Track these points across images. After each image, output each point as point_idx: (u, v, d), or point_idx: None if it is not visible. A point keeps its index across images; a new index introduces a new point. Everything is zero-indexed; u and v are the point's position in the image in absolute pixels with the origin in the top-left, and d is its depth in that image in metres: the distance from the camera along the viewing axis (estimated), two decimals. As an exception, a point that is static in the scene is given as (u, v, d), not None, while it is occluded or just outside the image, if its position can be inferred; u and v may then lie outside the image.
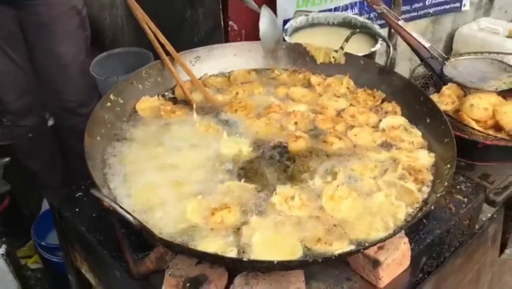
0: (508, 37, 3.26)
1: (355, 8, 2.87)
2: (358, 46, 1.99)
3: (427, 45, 1.83)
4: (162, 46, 1.63)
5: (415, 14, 3.21)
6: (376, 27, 2.05)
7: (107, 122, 1.40)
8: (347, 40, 1.67)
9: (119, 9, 3.66)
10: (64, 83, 2.22)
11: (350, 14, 2.17)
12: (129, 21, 3.56)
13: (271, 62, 1.75)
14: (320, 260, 1.01)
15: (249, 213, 1.17)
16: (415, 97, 1.49)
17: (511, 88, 1.70)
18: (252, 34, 2.68)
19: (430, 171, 1.30)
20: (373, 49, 1.86)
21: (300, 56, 1.74)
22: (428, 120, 1.43)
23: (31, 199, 2.57)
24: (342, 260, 1.15)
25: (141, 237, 1.19)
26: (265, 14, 1.80)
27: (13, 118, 2.26)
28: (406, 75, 1.81)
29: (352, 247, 1.06)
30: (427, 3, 3.20)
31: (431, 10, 3.26)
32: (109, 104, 1.44)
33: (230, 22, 2.60)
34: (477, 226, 1.60)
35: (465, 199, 1.47)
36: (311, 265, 1.08)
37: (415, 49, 1.84)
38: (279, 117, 1.50)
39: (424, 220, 1.39)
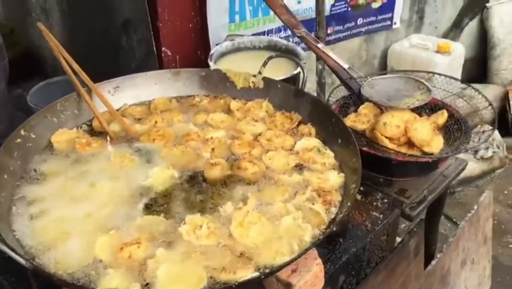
0: (437, 52, 3.41)
1: (287, 30, 2.94)
2: (284, 69, 2.03)
3: (345, 66, 1.88)
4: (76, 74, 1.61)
5: (348, 33, 3.31)
6: (300, 50, 2.10)
7: (16, 158, 1.37)
8: (264, 65, 1.70)
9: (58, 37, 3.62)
10: None
11: (274, 37, 2.23)
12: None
13: (192, 89, 1.76)
14: (221, 290, 1.02)
15: (158, 246, 1.17)
16: (328, 118, 1.53)
17: (424, 105, 1.77)
18: (187, 59, 2.71)
19: (339, 191, 1.33)
20: (294, 72, 1.90)
21: (221, 82, 1.76)
22: (339, 141, 1.46)
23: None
24: (246, 287, 1.16)
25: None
26: None
27: None
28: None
29: (256, 274, 1.07)
30: (358, 22, 3.31)
31: (363, 29, 3.37)
32: (19, 140, 1.40)
33: (163, 48, 2.62)
34: (397, 241, 1.65)
35: (381, 216, 1.51)
36: (215, 295, 1.08)
37: (335, 70, 1.89)
38: (197, 145, 1.51)
39: (341, 239, 1.42)
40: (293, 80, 1.94)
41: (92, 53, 3.30)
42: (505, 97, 3.96)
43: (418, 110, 1.78)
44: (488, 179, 3.63)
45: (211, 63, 2.01)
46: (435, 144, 1.63)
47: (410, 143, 1.66)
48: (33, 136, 1.45)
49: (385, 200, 1.58)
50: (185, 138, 1.53)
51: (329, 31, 3.19)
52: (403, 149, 1.64)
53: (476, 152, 3.50)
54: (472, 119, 3.96)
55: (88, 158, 1.45)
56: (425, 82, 1.80)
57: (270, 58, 1.70)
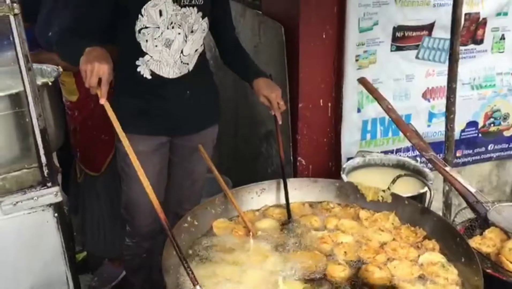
0: None
1: (415, 150, 3.12)
2: (411, 187, 2.21)
3: (473, 190, 2.00)
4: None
5: (478, 157, 3.37)
6: (427, 171, 2.26)
7: (182, 240, 1.69)
8: (393, 182, 1.90)
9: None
10: (189, 195, 2.51)
11: (403, 157, 2.42)
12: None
13: (326, 196, 2.00)
14: None
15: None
16: (453, 237, 1.64)
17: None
18: (319, 169, 2.99)
19: (459, 306, 1.42)
20: (421, 191, 2.06)
21: (352, 193, 1.98)
22: (463, 260, 1.56)
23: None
24: None
25: None
26: None
27: (138, 240, 2.47)
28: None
29: None
30: (489, 148, 3.37)
31: (494, 155, 3.40)
32: (186, 224, 1.75)
33: (299, 158, 2.95)
34: None
35: None
36: None
37: (461, 193, 2.01)
38: (329, 247, 1.70)
39: None
40: (419, 198, 2.10)
41: (234, 156, 3.78)
42: None
43: (549, 241, 1.80)
44: None
45: (343, 176, 2.26)
46: None
47: (537, 272, 1.68)
48: (196, 223, 1.79)
49: (508, 326, 1.59)
50: (319, 241, 1.73)
51: (458, 154, 3.30)
52: (530, 277, 1.66)
53: None
54: None
55: (239, 246, 1.73)
56: (555, 213, 1.84)
57: (399, 176, 1.90)
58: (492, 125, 3.29)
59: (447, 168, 2.08)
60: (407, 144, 3.03)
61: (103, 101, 1.67)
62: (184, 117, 2.29)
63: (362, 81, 2.51)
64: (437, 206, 2.94)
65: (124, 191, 2.42)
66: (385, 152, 2.90)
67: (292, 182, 2.03)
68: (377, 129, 2.97)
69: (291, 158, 2.93)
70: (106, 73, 1.71)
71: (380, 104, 2.38)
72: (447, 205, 2.68)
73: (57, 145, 2.14)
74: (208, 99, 2.38)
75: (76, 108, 2.68)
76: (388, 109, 2.35)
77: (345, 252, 1.67)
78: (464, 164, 3.34)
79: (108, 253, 2.99)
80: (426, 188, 2.11)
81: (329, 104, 2.90)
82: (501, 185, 3.57)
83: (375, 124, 2.96)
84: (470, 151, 3.32)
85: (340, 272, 1.58)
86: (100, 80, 1.69)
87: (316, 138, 2.95)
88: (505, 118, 3.29)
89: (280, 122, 2.15)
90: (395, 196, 1.89)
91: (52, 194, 1.68)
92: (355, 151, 2.83)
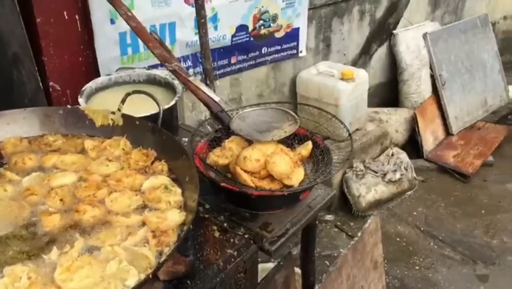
0: (341, 79, 3.49)
1: (188, 60, 2.93)
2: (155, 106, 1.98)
3: (217, 99, 1.87)
4: None
5: (253, 62, 3.34)
6: (177, 83, 2.07)
7: None
8: (123, 101, 1.66)
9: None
10: None
11: (154, 71, 2.19)
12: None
13: (49, 128, 1.69)
14: None
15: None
16: (180, 155, 1.49)
17: (295, 136, 1.77)
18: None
19: (176, 231, 1.28)
20: (168, 106, 1.85)
21: (80, 120, 1.70)
22: (187, 179, 1.43)
23: None
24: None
25: None
26: None
27: None
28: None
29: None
30: (263, 51, 3.35)
31: (268, 58, 3.41)
32: None
33: (51, 83, 2.55)
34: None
35: (236, 253, 1.47)
36: None
37: (206, 103, 1.87)
38: (39, 199, 1.40)
39: (188, 281, 1.37)
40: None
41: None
42: (413, 119, 4.09)
43: (290, 141, 1.79)
44: (398, 201, 3.70)
45: (81, 100, 1.94)
46: (296, 177, 1.61)
47: (271, 177, 1.64)
48: None
49: (246, 236, 1.54)
50: (24, 194, 1.41)
51: (232, 60, 3.21)
52: (265, 183, 1.62)
53: (384, 175, 3.58)
54: (382, 142, 4.04)
55: None
56: (292, 113, 1.80)
57: (127, 94, 1.66)
58: (262, 27, 3.23)
59: (191, 78, 1.91)
60: (177, 54, 2.81)
61: None
62: None
63: (100, -15, 2.14)
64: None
65: None
66: (154, 67, 2.64)
67: (3, 116, 1.66)
68: (138, 42, 2.67)
69: (40, 84, 2.50)
70: None
71: (118, 12, 2.07)
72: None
73: None
74: None
75: None
76: (128, 17, 2.05)
77: (60, 199, 1.39)
78: (241, 70, 3.29)
79: None
80: (173, 102, 1.91)
81: (77, 17, 2.50)
82: (280, 87, 3.65)
83: (135, 37, 2.64)
84: (245, 56, 3.26)
85: (55, 222, 1.32)
86: None
87: (68, 58, 2.56)
88: (274, 19, 3.26)
89: None
90: (126, 117, 1.66)
91: None
92: (116, 68, 2.51)
